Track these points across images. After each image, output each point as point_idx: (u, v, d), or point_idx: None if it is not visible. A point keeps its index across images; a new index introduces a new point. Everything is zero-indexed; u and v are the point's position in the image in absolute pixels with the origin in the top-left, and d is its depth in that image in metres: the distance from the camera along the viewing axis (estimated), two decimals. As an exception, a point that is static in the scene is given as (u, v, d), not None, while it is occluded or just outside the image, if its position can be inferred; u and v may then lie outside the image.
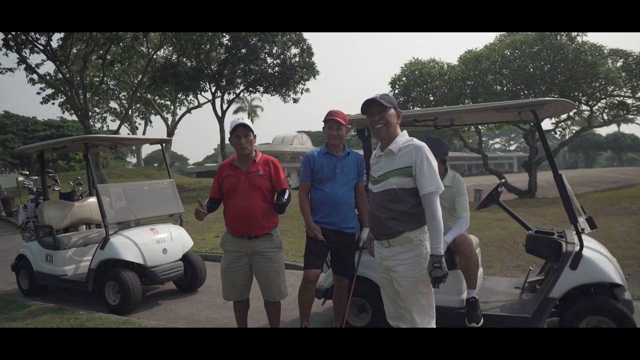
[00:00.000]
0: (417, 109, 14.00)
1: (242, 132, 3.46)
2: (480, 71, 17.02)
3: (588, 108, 18.69)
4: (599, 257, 3.55)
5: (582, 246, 3.52)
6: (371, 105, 2.76)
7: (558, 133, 19.92)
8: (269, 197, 3.52)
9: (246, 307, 3.74)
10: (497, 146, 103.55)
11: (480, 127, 18.94)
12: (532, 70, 16.34)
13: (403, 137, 2.76)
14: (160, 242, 5.58)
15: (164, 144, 6.41)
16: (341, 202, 3.72)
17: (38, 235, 6.08)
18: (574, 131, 20.48)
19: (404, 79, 19.59)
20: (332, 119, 3.67)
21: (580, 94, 17.08)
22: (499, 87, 16.96)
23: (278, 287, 3.55)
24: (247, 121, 3.49)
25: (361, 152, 4.17)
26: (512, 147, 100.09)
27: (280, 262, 3.59)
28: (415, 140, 2.72)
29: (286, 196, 3.53)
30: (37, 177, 8.61)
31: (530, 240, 4.09)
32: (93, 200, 6.45)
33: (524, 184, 19.11)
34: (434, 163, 2.65)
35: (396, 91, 19.77)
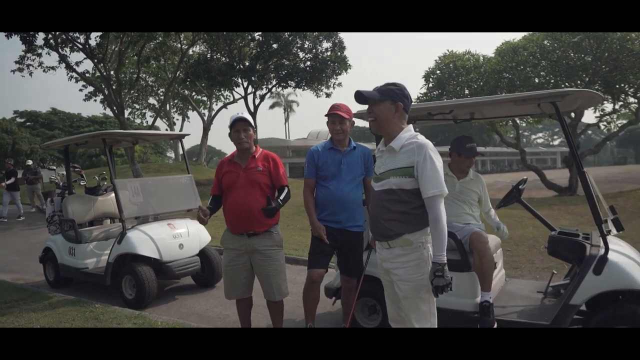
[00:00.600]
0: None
1: (241, 126, 3.37)
2: (518, 63, 16.34)
3: (636, 100, 17.67)
4: (626, 262, 3.25)
5: (607, 249, 3.24)
6: (362, 99, 2.58)
7: (603, 127, 18.94)
8: (269, 194, 3.41)
9: (249, 305, 3.66)
10: (539, 141, 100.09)
11: (518, 120, 18.25)
12: (573, 61, 15.58)
13: (407, 133, 2.55)
14: (177, 237, 5.59)
15: (182, 139, 6.42)
16: (347, 200, 3.57)
17: (62, 229, 6.21)
18: (619, 125, 19.44)
19: (438, 72, 19.07)
20: (334, 114, 3.53)
21: (627, 86, 16.15)
22: (537, 79, 16.25)
23: (278, 286, 3.45)
24: (247, 115, 3.40)
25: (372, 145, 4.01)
26: (556, 142, 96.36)
27: (281, 261, 3.48)
28: (420, 138, 2.51)
29: (283, 195, 3.40)
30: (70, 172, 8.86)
31: (553, 242, 3.83)
32: (125, 193, 6.54)
33: (564, 181, 18.30)
34: (439, 163, 2.45)
35: (430, 85, 19.29)
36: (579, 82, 15.50)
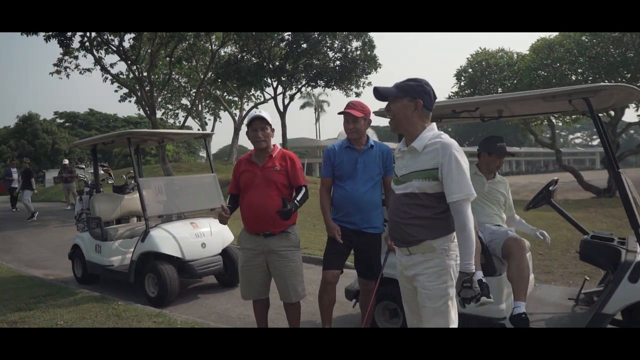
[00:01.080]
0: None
1: (258, 125, 3.31)
2: (554, 60, 15.80)
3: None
4: (666, 269, 3.02)
5: (644, 255, 3.03)
6: (379, 96, 2.40)
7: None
8: (286, 194, 3.34)
9: (265, 306, 3.60)
10: (577, 141, 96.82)
11: (553, 119, 17.65)
12: (614, 57, 14.94)
13: (430, 132, 2.35)
14: (199, 237, 5.59)
15: (207, 139, 6.45)
16: (362, 201, 3.46)
17: (89, 226, 6.32)
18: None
19: (470, 70, 18.68)
20: (347, 112, 3.42)
21: (672, 82, 15.42)
22: (574, 77, 15.67)
23: (294, 287, 3.37)
24: (264, 114, 3.33)
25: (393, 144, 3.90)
26: (595, 142, 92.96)
27: (298, 262, 3.40)
28: (444, 137, 2.32)
29: (300, 196, 3.31)
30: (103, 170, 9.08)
31: (585, 247, 3.60)
32: (148, 192, 6.62)
33: (603, 182, 17.60)
34: (465, 164, 2.26)
35: (462, 83, 18.91)
36: (619, 79, 14.87)
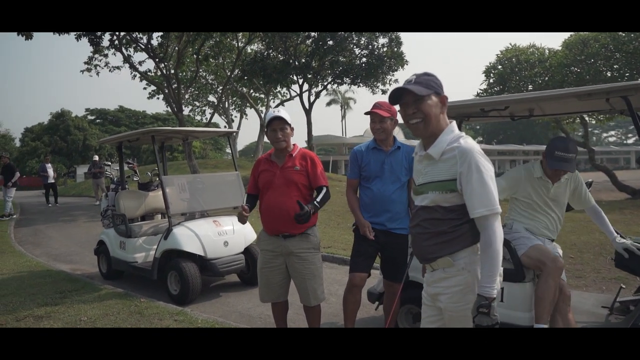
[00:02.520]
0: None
1: (277, 125, 3.24)
2: (587, 55, 15.27)
3: None
4: None
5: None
6: (402, 95, 2.09)
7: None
8: (306, 194, 3.27)
9: (284, 309, 3.54)
10: (611, 139, 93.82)
11: (586, 117, 17.09)
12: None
13: (449, 134, 2.05)
14: (222, 235, 5.58)
15: (230, 136, 6.43)
16: (389, 201, 3.38)
17: (114, 223, 6.39)
18: None
19: (499, 67, 18.26)
20: (373, 112, 3.34)
21: None
22: (609, 73, 15.11)
23: (314, 290, 3.30)
24: (283, 113, 3.26)
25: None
26: (631, 140, 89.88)
27: (317, 264, 3.33)
28: (463, 141, 2.00)
29: (320, 197, 3.24)
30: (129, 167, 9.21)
31: (621, 254, 3.42)
32: (170, 190, 6.67)
33: (639, 183, 16.96)
34: (488, 173, 1.95)
35: (491, 80, 18.51)
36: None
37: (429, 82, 2.06)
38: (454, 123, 2.12)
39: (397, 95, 2.10)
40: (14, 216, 13.50)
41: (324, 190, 3.28)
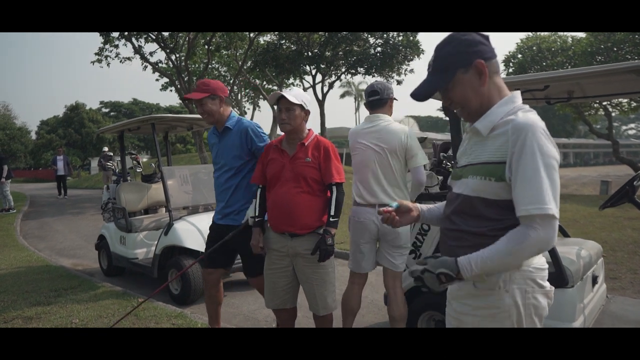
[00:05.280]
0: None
1: (283, 104, 2.80)
2: (614, 43, 14.58)
3: None
4: None
5: None
6: (423, 97, 1.64)
7: None
8: (317, 190, 2.84)
9: (292, 316, 3.12)
10: (631, 132, 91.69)
11: (610, 109, 16.39)
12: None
13: (506, 105, 1.55)
14: (226, 230, 5.18)
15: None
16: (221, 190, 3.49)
17: (115, 217, 6.05)
18: None
19: (519, 56, 17.62)
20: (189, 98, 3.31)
21: None
22: (637, 61, 14.41)
23: (323, 298, 2.87)
24: (292, 92, 2.80)
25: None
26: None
27: (328, 268, 2.88)
28: (523, 114, 1.49)
29: (333, 205, 2.82)
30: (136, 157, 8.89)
31: None
32: (169, 183, 6.30)
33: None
34: (549, 158, 1.43)
35: (510, 70, 17.87)
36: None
37: (445, 60, 1.58)
38: (517, 93, 1.60)
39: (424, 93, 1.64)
40: (13, 210, 13.02)
41: (335, 194, 2.83)
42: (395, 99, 3.43)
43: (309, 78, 21.69)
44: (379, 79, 20.45)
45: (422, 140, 3.55)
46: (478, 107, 1.58)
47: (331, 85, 22.00)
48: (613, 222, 8.12)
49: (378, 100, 3.35)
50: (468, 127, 1.70)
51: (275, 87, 29.92)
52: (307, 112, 2.90)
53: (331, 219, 2.79)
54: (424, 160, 3.24)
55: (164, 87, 28.98)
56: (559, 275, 2.89)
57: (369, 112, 3.42)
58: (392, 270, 3.24)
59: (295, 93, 2.83)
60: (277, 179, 2.88)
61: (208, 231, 5.03)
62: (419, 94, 1.62)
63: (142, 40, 17.60)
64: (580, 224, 8.17)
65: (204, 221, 5.14)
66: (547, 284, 1.57)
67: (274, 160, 2.94)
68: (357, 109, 59.32)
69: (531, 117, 1.49)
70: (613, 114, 18.90)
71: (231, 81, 29.71)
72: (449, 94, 1.60)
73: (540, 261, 1.58)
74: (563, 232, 3.87)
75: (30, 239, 9.52)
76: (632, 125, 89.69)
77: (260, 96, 31.41)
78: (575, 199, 12.46)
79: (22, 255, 7.35)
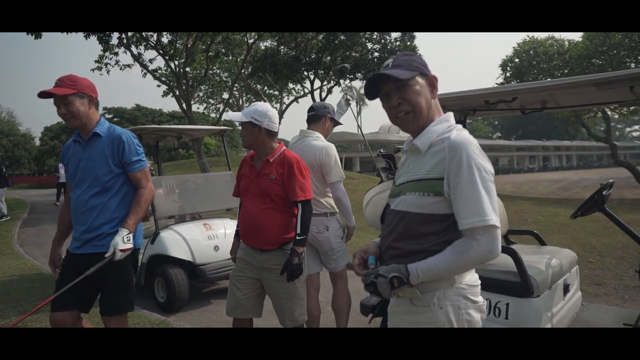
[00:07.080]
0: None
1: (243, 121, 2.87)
2: (610, 46, 14.60)
3: None
4: None
5: None
6: (380, 83, 1.68)
7: None
8: (282, 207, 2.87)
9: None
10: (635, 134, 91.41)
11: (609, 111, 16.39)
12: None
13: (442, 123, 1.65)
14: (212, 239, 5.25)
15: (223, 134, 6.11)
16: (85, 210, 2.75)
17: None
18: None
19: (516, 60, 17.65)
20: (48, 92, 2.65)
21: None
22: (634, 64, 14.42)
23: (290, 311, 2.90)
24: (238, 114, 2.86)
25: None
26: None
27: (296, 283, 2.90)
28: (455, 133, 1.59)
29: (298, 227, 2.79)
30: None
31: None
32: (160, 191, 6.37)
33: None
34: (484, 172, 1.52)
35: (507, 74, 17.92)
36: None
37: (410, 63, 1.66)
38: (450, 113, 1.71)
39: (375, 85, 1.70)
40: (7, 218, 12.98)
41: (301, 212, 2.81)
42: (333, 118, 3.69)
43: (307, 83, 21.81)
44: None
45: (396, 152, 3.61)
46: (425, 115, 1.65)
47: (330, 90, 22.11)
48: (604, 227, 8.12)
49: (313, 116, 3.66)
50: (405, 145, 1.78)
51: (277, 93, 30.09)
52: (261, 129, 2.82)
53: (297, 238, 2.79)
54: (337, 177, 3.46)
55: (165, 93, 29.15)
56: (524, 286, 2.93)
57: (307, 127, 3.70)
58: (330, 271, 3.63)
59: (247, 110, 2.84)
60: (245, 195, 2.97)
61: (194, 240, 5.11)
62: (383, 73, 1.63)
63: (142, 48, 17.77)
64: (571, 228, 8.16)
65: (190, 230, 5.24)
66: (480, 299, 1.63)
67: (244, 176, 3.02)
68: (358, 113, 59.43)
69: (465, 135, 1.59)
70: (615, 117, 18.92)
71: (233, 87, 30.02)
72: (405, 93, 1.63)
73: (473, 278, 1.64)
74: (540, 241, 3.89)
75: (27, 246, 9.60)
76: (636, 127, 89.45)
77: (262, 101, 31.52)
78: (571, 204, 12.43)
79: (16, 263, 7.43)
